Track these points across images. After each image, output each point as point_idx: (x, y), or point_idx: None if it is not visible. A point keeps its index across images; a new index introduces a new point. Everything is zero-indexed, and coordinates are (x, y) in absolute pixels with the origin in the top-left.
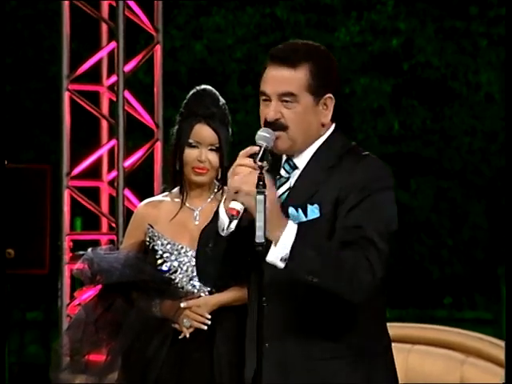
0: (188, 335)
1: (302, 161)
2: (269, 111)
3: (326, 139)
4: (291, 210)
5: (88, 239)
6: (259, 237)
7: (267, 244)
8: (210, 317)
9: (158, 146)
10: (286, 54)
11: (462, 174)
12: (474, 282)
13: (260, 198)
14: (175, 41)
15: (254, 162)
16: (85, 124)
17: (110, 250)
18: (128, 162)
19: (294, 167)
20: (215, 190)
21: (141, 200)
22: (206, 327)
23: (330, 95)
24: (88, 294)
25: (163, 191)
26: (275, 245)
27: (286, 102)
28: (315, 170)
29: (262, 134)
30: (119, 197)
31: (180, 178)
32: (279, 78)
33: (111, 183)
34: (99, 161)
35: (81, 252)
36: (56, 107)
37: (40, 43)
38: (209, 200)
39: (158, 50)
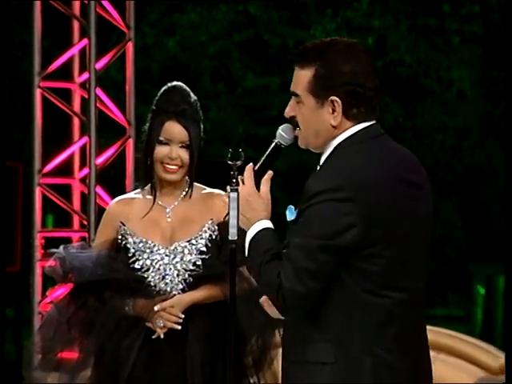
0: (162, 335)
1: (322, 160)
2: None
3: (342, 141)
4: (288, 209)
5: (59, 236)
6: (232, 234)
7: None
8: (183, 316)
9: (130, 143)
10: (300, 53)
11: (435, 171)
12: (446, 280)
13: (233, 195)
14: (147, 38)
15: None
16: (56, 121)
17: (81, 248)
18: (100, 160)
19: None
20: (187, 188)
21: (113, 197)
22: (179, 327)
23: (335, 98)
24: (60, 291)
25: (135, 188)
26: None
27: (298, 102)
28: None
29: (279, 131)
30: (91, 194)
31: (152, 176)
32: (293, 77)
33: (83, 180)
34: (71, 158)
35: (53, 250)
36: (28, 104)
37: (12, 40)
38: (180, 197)
39: (130, 47)
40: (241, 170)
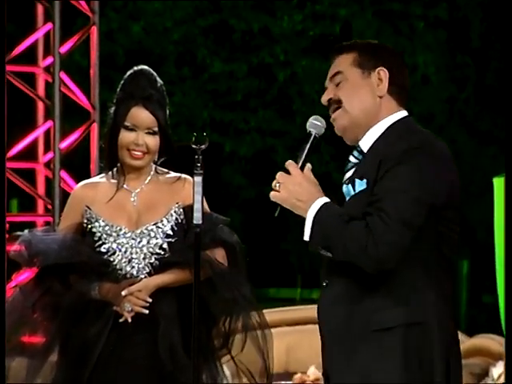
0: (130, 319)
1: (366, 144)
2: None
3: (393, 123)
4: (344, 187)
5: (24, 221)
6: (197, 218)
7: None
8: (150, 300)
9: (95, 127)
10: (335, 47)
11: None
12: None
13: (198, 179)
14: (112, 23)
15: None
16: (21, 105)
17: (46, 232)
18: (64, 144)
19: (361, 152)
20: (152, 172)
21: (77, 182)
22: (147, 311)
23: (382, 68)
24: (25, 275)
25: (100, 173)
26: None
27: (337, 83)
28: (376, 150)
29: (313, 121)
30: (55, 178)
31: (116, 160)
32: (331, 67)
33: (47, 165)
34: (35, 142)
35: (18, 233)
36: None
37: None
38: (146, 181)
39: (95, 32)
40: (204, 154)
